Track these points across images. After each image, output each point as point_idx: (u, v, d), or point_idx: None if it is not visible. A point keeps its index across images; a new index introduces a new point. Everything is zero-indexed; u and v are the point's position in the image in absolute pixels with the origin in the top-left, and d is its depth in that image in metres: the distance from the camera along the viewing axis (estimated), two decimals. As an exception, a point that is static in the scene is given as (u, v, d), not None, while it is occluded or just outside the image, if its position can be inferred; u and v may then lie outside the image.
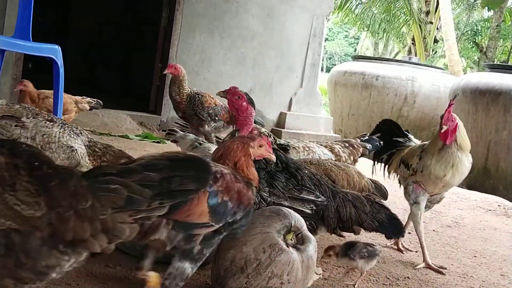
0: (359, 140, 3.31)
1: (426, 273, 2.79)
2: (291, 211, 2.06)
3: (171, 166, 1.58)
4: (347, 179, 2.56)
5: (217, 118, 4.10)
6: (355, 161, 3.20)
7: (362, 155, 3.27)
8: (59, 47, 3.69)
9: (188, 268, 1.74)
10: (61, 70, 3.69)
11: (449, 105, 2.97)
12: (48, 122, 2.42)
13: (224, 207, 1.74)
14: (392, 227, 2.30)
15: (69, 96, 3.95)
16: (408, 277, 2.68)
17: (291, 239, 1.97)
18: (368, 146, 3.27)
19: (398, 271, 2.76)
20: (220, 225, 1.75)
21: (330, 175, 2.50)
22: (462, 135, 2.93)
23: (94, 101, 4.21)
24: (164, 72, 3.99)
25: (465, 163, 2.85)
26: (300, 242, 1.99)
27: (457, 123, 2.92)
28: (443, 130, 2.88)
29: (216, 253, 2.01)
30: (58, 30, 9.50)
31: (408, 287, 2.56)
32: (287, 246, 1.94)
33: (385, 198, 2.81)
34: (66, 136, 2.39)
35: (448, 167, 2.80)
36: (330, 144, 3.22)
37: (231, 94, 2.72)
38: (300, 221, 2.02)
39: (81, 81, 8.15)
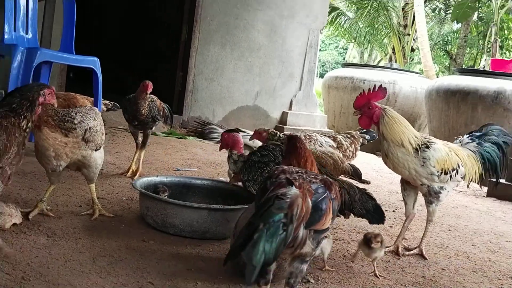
0: (358, 132, 3.38)
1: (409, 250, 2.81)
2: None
3: None
4: (334, 163, 2.58)
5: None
6: (356, 149, 3.26)
7: (362, 144, 3.32)
8: (98, 59, 3.72)
9: (306, 265, 1.63)
10: (100, 78, 3.71)
11: (369, 93, 2.67)
12: None
13: (336, 210, 1.69)
14: (377, 215, 2.28)
15: (86, 98, 3.90)
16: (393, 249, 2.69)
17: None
18: (367, 137, 3.36)
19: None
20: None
21: (321, 161, 2.50)
22: (390, 129, 2.59)
23: (111, 103, 4.17)
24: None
25: (398, 155, 2.54)
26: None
27: (376, 112, 2.60)
28: (358, 116, 2.65)
29: (235, 228, 2.03)
30: (94, 43, 9.51)
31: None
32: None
33: (360, 178, 2.83)
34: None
35: (385, 157, 2.62)
36: (333, 134, 3.30)
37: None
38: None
39: (114, 87, 8.15)
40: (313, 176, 1.63)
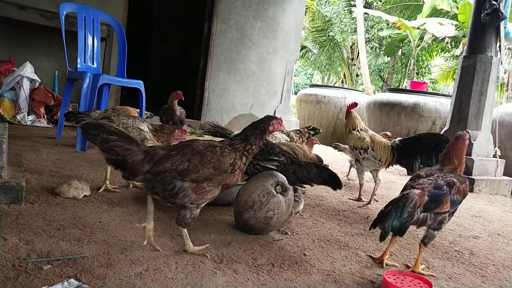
0: (306, 129, 3.33)
1: (358, 206, 2.82)
2: (279, 173, 2.07)
3: None
4: (303, 153, 2.53)
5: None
6: (303, 141, 3.20)
7: (308, 137, 3.24)
8: (142, 82, 3.68)
9: (436, 232, 1.77)
10: (143, 95, 3.68)
11: (351, 105, 3.02)
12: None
13: (456, 201, 1.74)
14: (334, 182, 2.18)
15: (134, 109, 3.89)
16: (345, 210, 2.70)
17: (279, 189, 1.98)
18: (312, 132, 3.31)
19: (340, 207, 2.77)
20: (452, 210, 1.76)
21: (294, 151, 2.47)
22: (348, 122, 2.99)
23: (148, 113, 4.13)
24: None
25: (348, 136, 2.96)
26: (284, 190, 1.99)
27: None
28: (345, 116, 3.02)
29: (236, 197, 2.02)
30: (141, 71, 9.46)
31: (345, 216, 2.56)
32: (277, 193, 1.95)
33: (322, 163, 2.69)
34: (136, 123, 2.45)
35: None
36: (288, 132, 3.21)
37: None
38: (283, 178, 2.02)
39: (153, 101, 8.10)
40: (442, 177, 1.75)
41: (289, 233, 2.06)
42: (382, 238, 1.60)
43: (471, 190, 4.02)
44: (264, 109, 6.72)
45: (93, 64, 3.82)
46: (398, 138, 2.91)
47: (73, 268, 1.41)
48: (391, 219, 1.57)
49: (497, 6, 4.20)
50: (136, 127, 2.43)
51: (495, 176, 4.34)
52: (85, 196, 2.15)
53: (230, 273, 1.54)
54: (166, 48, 9.27)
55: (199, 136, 5.52)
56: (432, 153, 2.69)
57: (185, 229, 1.64)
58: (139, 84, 3.61)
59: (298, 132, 3.27)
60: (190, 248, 1.65)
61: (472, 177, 4.08)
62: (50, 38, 4.82)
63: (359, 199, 2.99)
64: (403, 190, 1.73)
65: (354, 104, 3.02)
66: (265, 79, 6.74)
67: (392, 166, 2.85)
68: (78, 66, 3.65)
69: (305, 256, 1.80)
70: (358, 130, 2.90)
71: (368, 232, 2.26)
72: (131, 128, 2.41)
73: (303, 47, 16.54)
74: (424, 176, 1.78)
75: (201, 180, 1.54)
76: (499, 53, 4.40)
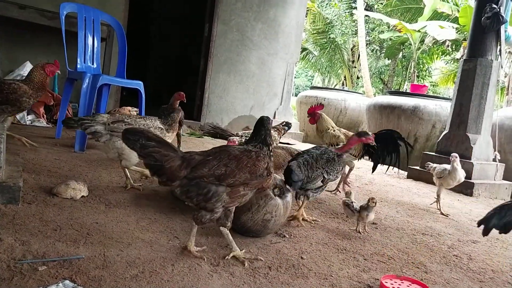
0: (281, 125, 3.38)
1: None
2: (277, 176, 2.07)
3: None
4: (291, 154, 2.48)
5: None
6: (280, 135, 3.31)
7: (284, 133, 3.37)
8: (142, 82, 3.68)
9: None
10: (143, 96, 3.68)
11: (316, 106, 3.18)
12: (140, 118, 2.52)
13: None
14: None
15: (132, 109, 3.89)
16: (343, 213, 2.68)
17: (277, 191, 1.98)
18: (286, 128, 3.39)
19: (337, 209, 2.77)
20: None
21: (292, 155, 2.42)
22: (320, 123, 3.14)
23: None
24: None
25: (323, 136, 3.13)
26: (282, 193, 1.99)
27: (318, 116, 3.15)
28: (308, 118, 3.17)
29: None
30: (141, 70, 9.48)
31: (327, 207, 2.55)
32: (275, 196, 1.95)
33: None
34: (155, 123, 2.51)
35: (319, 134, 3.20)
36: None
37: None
38: (282, 181, 2.03)
39: (152, 102, 8.09)
40: None
41: (287, 236, 2.05)
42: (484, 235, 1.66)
43: (471, 194, 4.01)
44: (264, 110, 6.71)
45: (93, 64, 3.82)
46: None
47: (68, 269, 1.40)
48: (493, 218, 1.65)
49: (498, 9, 4.20)
50: (158, 127, 2.49)
51: (494, 180, 4.33)
52: (82, 196, 2.15)
53: (227, 276, 1.53)
54: (166, 48, 9.28)
55: (199, 137, 5.52)
56: (392, 148, 2.93)
57: (196, 227, 1.67)
58: (138, 84, 3.60)
59: (276, 129, 3.31)
60: (191, 247, 1.66)
61: (471, 181, 4.07)
62: (50, 38, 4.81)
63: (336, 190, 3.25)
64: None
65: (321, 106, 3.24)
66: (266, 80, 6.73)
67: (362, 158, 3.09)
68: (78, 66, 3.64)
69: (302, 260, 1.79)
70: (332, 130, 3.14)
71: (367, 236, 2.25)
72: (153, 129, 2.44)
73: (303, 49, 16.55)
74: None
75: (237, 185, 1.58)
76: (499, 56, 4.40)
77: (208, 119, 6.29)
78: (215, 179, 1.54)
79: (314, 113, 3.19)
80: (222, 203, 1.58)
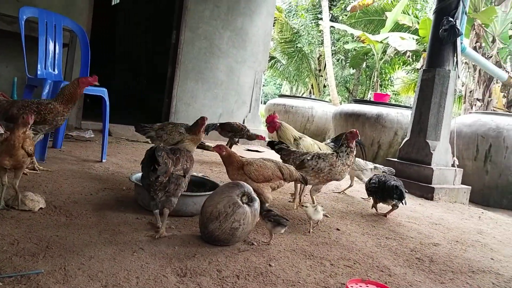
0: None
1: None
2: (245, 183, 2.06)
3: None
4: (289, 173, 2.45)
5: None
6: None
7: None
8: (106, 89, 3.59)
9: None
10: (107, 103, 3.58)
11: (273, 115, 3.29)
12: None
13: None
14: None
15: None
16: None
17: (245, 199, 1.97)
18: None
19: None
20: None
21: (281, 170, 2.41)
22: (283, 132, 3.22)
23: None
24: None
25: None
26: (250, 200, 1.98)
27: (278, 125, 3.23)
28: (267, 126, 3.25)
29: (201, 208, 1.99)
30: (105, 79, 9.27)
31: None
32: (243, 203, 1.93)
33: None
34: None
35: None
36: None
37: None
38: (250, 189, 2.02)
39: (119, 111, 7.92)
40: None
41: (255, 243, 2.04)
42: None
43: (431, 198, 4.16)
44: (233, 118, 6.70)
45: (54, 70, 3.68)
46: (330, 138, 3.55)
47: (26, 285, 1.33)
48: None
49: (454, 22, 4.43)
50: (178, 131, 3.11)
51: (453, 184, 4.52)
52: (40, 208, 2.05)
53: (194, 286, 1.50)
54: (132, 54, 9.11)
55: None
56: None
57: (168, 213, 1.99)
58: (102, 92, 3.50)
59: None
60: (163, 230, 1.96)
61: (431, 185, 4.23)
62: (9, 43, 4.61)
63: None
64: None
65: (275, 115, 3.36)
66: (234, 88, 6.74)
67: None
68: (38, 72, 3.50)
69: (271, 267, 1.78)
70: (301, 139, 3.24)
71: (333, 241, 2.28)
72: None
73: (272, 58, 16.76)
74: None
75: (188, 176, 2.07)
76: (456, 67, 4.62)
77: (176, 127, 6.21)
78: (183, 172, 1.96)
79: (273, 121, 3.22)
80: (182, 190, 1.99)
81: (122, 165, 3.52)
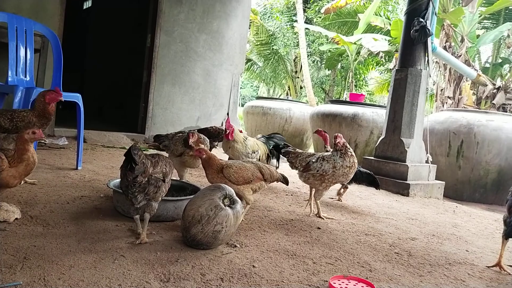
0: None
1: (306, 214, 2.87)
2: (226, 186, 2.06)
3: None
4: (270, 174, 2.46)
5: None
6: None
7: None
8: (80, 95, 3.51)
9: None
10: (82, 109, 3.51)
11: (227, 120, 3.35)
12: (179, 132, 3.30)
13: None
14: (285, 180, 2.61)
15: None
16: (292, 219, 2.73)
17: (226, 202, 1.97)
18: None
19: (289, 217, 2.81)
20: None
21: (261, 171, 2.43)
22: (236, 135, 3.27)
23: None
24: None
25: (236, 147, 3.26)
26: (232, 203, 1.99)
27: (233, 129, 3.25)
28: (227, 133, 3.24)
29: (183, 212, 1.98)
30: (79, 85, 9.06)
31: (292, 226, 2.60)
32: (225, 206, 1.94)
33: (287, 184, 2.66)
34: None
35: (229, 150, 3.31)
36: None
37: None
38: (231, 191, 2.02)
39: (94, 117, 7.79)
40: None
41: (238, 245, 2.05)
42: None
43: (407, 194, 4.27)
44: (211, 121, 6.68)
45: (25, 77, 3.58)
46: (260, 135, 3.79)
47: (2, 299, 1.29)
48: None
49: (425, 23, 4.57)
50: (181, 143, 3.00)
51: (428, 180, 4.66)
52: (16, 219, 1.99)
53: (178, 291, 1.50)
54: (106, 60, 8.95)
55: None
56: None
57: (149, 218, 1.97)
58: (76, 97, 3.42)
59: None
60: (144, 236, 1.94)
61: (407, 182, 4.35)
62: (-24, 49, 4.45)
63: None
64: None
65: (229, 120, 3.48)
66: (211, 91, 6.73)
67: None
68: (9, 79, 3.39)
69: (254, 268, 1.79)
70: (247, 139, 3.37)
71: (315, 240, 2.31)
72: (178, 144, 3.03)
73: (248, 60, 16.80)
74: None
75: (168, 181, 2.06)
76: (427, 66, 4.77)
77: (153, 132, 6.14)
78: (162, 176, 1.94)
79: (230, 125, 3.26)
80: (162, 194, 1.98)
81: (98, 172, 3.45)
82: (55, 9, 5.09)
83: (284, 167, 3.67)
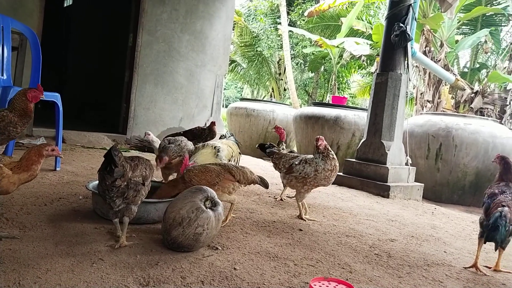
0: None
1: (288, 216, 2.89)
2: (208, 188, 2.05)
3: None
4: (243, 175, 2.41)
5: None
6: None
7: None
8: (59, 94, 3.44)
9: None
10: (60, 109, 3.44)
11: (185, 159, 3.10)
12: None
13: None
14: (264, 183, 2.54)
15: None
16: (274, 221, 2.74)
17: (208, 204, 1.96)
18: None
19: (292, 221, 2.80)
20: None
21: (232, 172, 2.37)
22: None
23: None
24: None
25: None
26: (213, 205, 1.98)
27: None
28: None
29: (164, 215, 1.96)
30: (58, 84, 8.87)
31: (275, 228, 2.60)
32: (206, 208, 1.93)
33: (266, 186, 2.60)
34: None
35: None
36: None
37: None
38: (213, 193, 2.01)
39: (74, 117, 7.66)
40: None
41: (220, 248, 2.04)
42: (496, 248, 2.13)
43: (387, 196, 4.34)
44: (194, 122, 6.65)
45: (2, 75, 3.48)
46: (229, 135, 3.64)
47: (-26, 304, 1.24)
48: (500, 234, 2.04)
49: (405, 28, 4.66)
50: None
51: (408, 182, 4.74)
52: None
53: (158, 294, 1.48)
54: (86, 58, 8.79)
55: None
56: None
57: (128, 222, 1.93)
58: (55, 97, 3.35)
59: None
60: (123, 240, 1.90)
61: (387, 184, 4.42)
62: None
63: None
64: (489, 206, 2.13)
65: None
66: (195, 92, 6.69)
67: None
68: (-15, 77, 3.30)
69: (235, 270, 1.79)
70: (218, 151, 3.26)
71: (296, 242, 2.32)
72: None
73: (232, 61, 16.77)
74: (499, 193, 2.16)
75: (147, 184, 2.03)
76: (407, 70, 4.87)
77: (135, 132, 6.07)
78: (142, 179, 1.91)
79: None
80: (142, 197, 1.95)
81: (78, 173, 3.39)
82: (34, 6, 4.97)
83: (268, 168, 3.68)
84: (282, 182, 3.04)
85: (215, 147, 2.90)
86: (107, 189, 1.79)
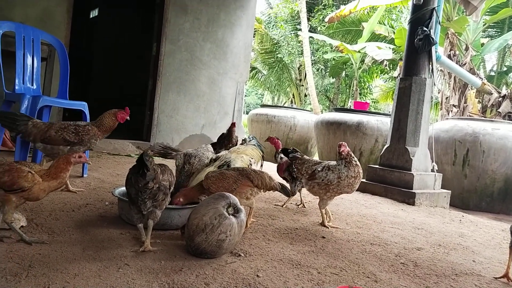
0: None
1: (311, 223, 2.87)
2: (231, 194, 2.06)
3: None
4: (261, 180, 2.37)
5: None
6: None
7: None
8: (86, 103, 3.54)
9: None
10: (88, 117, 3.54)
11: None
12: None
13: None
14: (284, 191, 2.51)
15: None
16: (297, 228, 2.72)
17: (230, 210, 1.97)
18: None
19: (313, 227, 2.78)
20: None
21: (250, 177, 2.35)
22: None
23: None
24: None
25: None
26: (236, 212, 1.98)
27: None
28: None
29: (187, 221, 1.98)
30: (82, 93, 9.14)
31: (297, 235, 2.58)
32: (229, 215, 1.93)
33: (288, 195, 2.59)
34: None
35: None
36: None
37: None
38: (235, 200, 2.01)
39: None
40: None
41: (242, 254, 2.04)
42: None
43: (413, 203, 4.24)
44: (216, 129, 6.70)
45: (32, 85, 3.62)
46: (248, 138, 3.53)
47: (7, 307, 1.29)
48: None
49: (429, 32, 4.58)
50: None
51: (434, 189, 4.62)
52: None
53: (182, 300, 1.49)
54: (112, 67, 9.03)
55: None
56: None
57: (152, 226, 1.96)
58: (82, 105, 3.45)
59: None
60: (148, 244, 1.94)
61: (413, 191, 4.32)
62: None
63: None
64: None
65: None
66: (216, 99, 6.76)
67: None
68: (16, 87, 3.43)
69: (258, 278, 1.78)
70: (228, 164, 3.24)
71: (319, 249, 2.29)
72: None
73: (253, 68, 16.89)
74: None
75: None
76: (432, 75, 4.77)
77: (158, 139, 6.17)
78: (168, 184, 1.97)
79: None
80: (166, 203, 2.00)
81: (104, 180, 3.46)
82: (62, 19, 5.16)
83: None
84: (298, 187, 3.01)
85: (225, 162, 2.70)
86: (139, 191, 1.85)
